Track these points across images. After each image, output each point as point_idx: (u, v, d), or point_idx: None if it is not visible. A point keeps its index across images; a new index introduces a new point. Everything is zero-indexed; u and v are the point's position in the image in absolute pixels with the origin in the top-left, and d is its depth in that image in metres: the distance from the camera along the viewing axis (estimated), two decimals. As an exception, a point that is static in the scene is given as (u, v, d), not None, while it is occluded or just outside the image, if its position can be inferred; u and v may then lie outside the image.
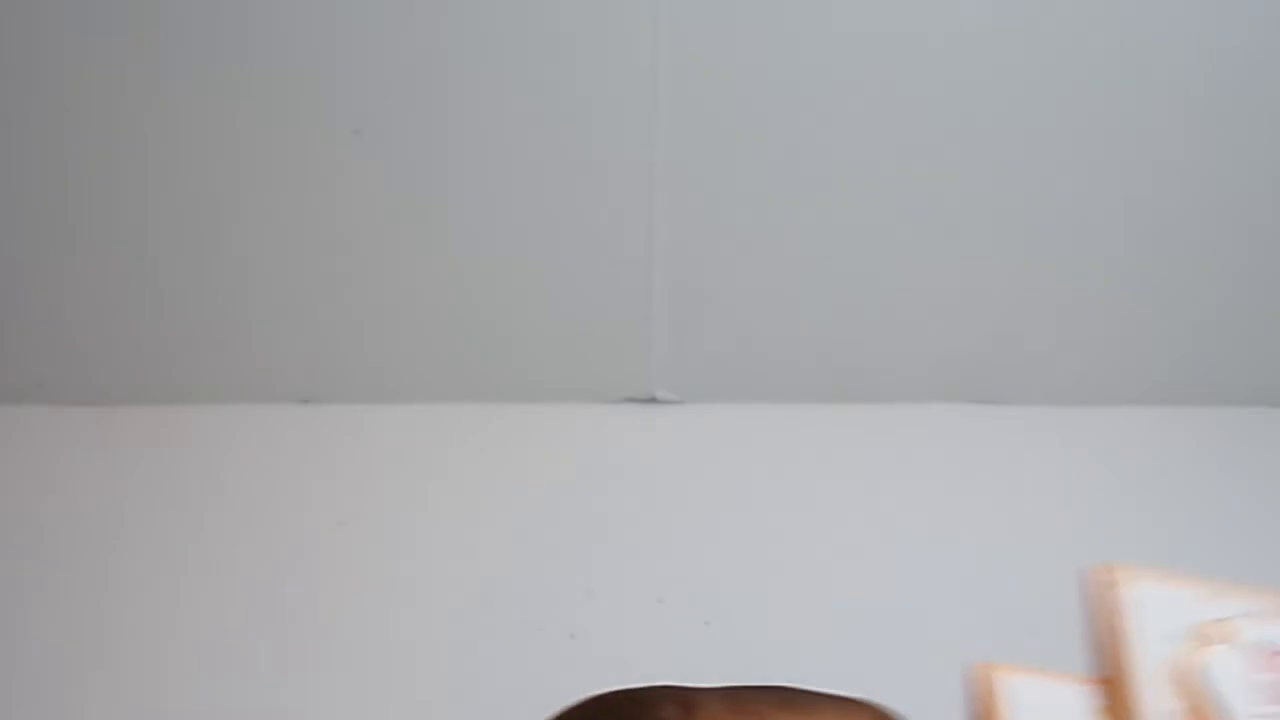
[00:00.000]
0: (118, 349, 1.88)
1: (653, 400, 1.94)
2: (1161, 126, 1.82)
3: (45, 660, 1.35)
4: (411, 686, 1.32)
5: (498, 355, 1.91)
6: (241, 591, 1.46)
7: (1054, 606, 1.47)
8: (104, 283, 1.85)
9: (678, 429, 1.88)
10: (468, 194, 1.83)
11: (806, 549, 1.57)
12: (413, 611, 1.44)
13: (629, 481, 1.72)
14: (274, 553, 1.54)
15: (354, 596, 1.46)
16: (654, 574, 1.51)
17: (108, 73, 1.76)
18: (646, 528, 1.61)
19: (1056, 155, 1.83)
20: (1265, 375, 1.94)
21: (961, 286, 1.89)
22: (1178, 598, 0.75)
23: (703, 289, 1.89)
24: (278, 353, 1.90)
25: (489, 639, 1.39)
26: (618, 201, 1.84)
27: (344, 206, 1.84)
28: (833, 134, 1.82)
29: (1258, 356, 1.93)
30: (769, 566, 1.53)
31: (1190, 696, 0.69)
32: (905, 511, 1.65)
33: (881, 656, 1.37)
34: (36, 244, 1.83)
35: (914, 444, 1.84)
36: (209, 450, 1.78)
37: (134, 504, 1.64)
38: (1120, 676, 0.71)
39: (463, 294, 1.88)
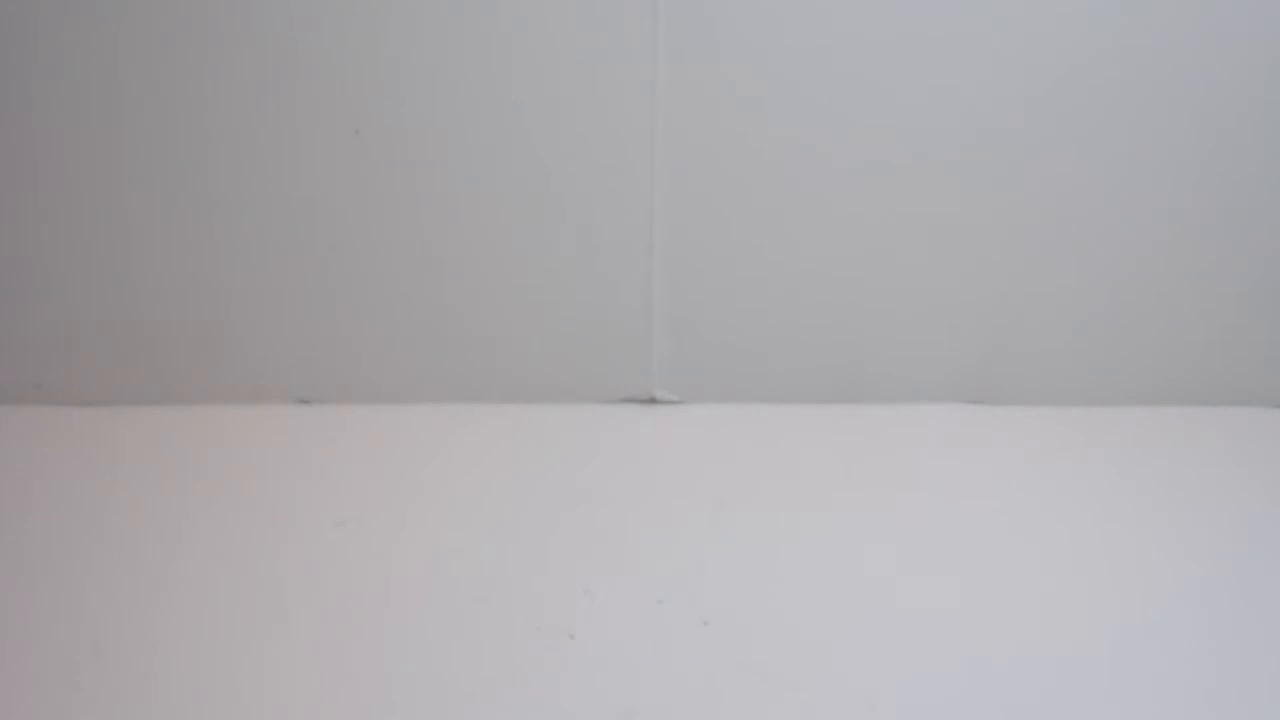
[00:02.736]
0: (118, 349, 1.88)
1: (652, 400, 1.94)
2: (1162, 130, 1.82)
3: (45, 660, 1.35)
4: (411, 686, 1.32)
5: (498, 355, 1.91)
6: (241, 591, 1.46)
7: (1055, 605, 1.47)
8: (104, 283, 1.85)
9: (677, 429, 1.88)
10: (467, 194, 1.84)
11: (806, 549, 1.57)
12: (413, 611, 1.44)
13: (629, 481, 1.72)
14: (273, 553, 1.54)
15: (354, 596, 1.46)
16: (654, 574, 1.51)
17: (108, 73, 1.76)
18: (646, 528, 1.61)
19: (1056, 157, 1.84)
20: (1265, 375, 1.94)
21: (962, 288, 1.90)
22: None
23: (703, 289, 1.89)
24: (278, 353, 1.90)
25: (489, 639, 1.39)
26: (618, 202, 1.85)
27: (344, 206, 1.84)
28: (832, 135, 1.82)
29: (1258, 356, 1.93)
30: (769, 566, 1.53)
31: None
32: (904, 511, 1.66)
33: (881, 656, 1.37)
34: (36, 244, 1.83)
35: (914, 444, 1.84)
36: (209, 450, 1.78)
37: (134, 504, 1.64)
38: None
39: (463, 294, 1.88)
